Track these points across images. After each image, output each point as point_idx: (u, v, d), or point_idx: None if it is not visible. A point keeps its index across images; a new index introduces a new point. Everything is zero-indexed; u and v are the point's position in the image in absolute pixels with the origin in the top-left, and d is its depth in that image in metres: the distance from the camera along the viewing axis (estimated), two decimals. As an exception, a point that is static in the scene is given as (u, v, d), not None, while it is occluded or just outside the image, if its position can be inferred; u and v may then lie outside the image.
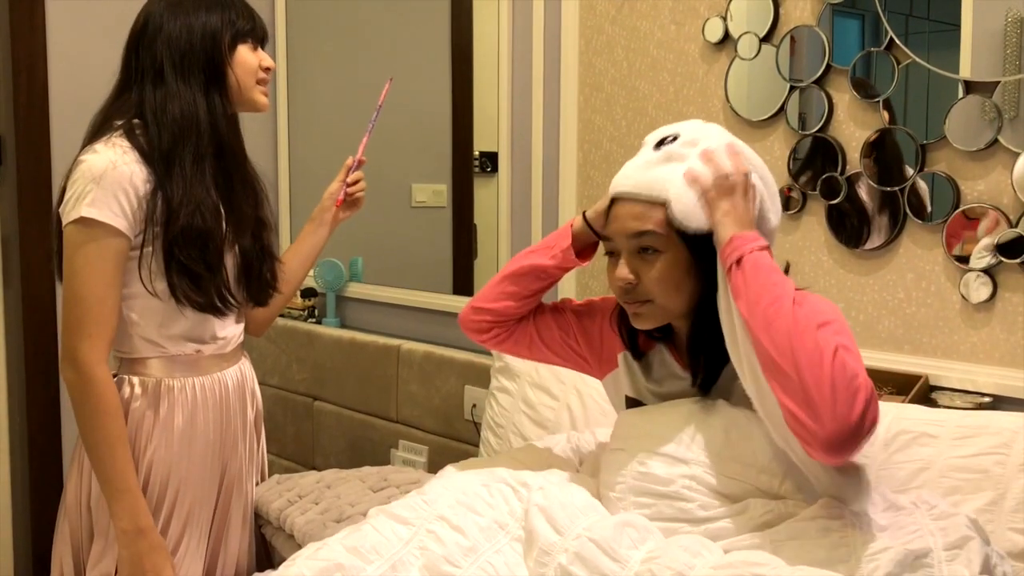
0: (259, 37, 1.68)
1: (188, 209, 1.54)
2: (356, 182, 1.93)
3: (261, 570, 1.75)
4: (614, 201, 1.38)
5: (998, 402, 1.64)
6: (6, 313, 2.54)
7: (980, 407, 1.62)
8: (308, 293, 2.88)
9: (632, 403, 1.49)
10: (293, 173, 2.99)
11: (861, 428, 1.13)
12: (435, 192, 2.67)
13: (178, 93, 1.57)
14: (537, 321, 1.57)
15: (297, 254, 1.88)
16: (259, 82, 1.67)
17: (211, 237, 1.57)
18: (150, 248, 1.55)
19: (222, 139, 1.61)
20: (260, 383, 2.86)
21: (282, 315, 2.86)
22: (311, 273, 2.85)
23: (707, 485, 1.30)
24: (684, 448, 1.32)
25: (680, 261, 1.31)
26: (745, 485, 1.29)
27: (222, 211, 1.62)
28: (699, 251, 1.30)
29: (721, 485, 1.29)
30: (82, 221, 1.51)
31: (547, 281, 1.54)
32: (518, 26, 2.32)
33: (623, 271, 1.33)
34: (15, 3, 2.50)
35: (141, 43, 1.60)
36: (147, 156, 1.55)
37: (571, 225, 1.51)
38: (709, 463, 1.30)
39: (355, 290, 2.81)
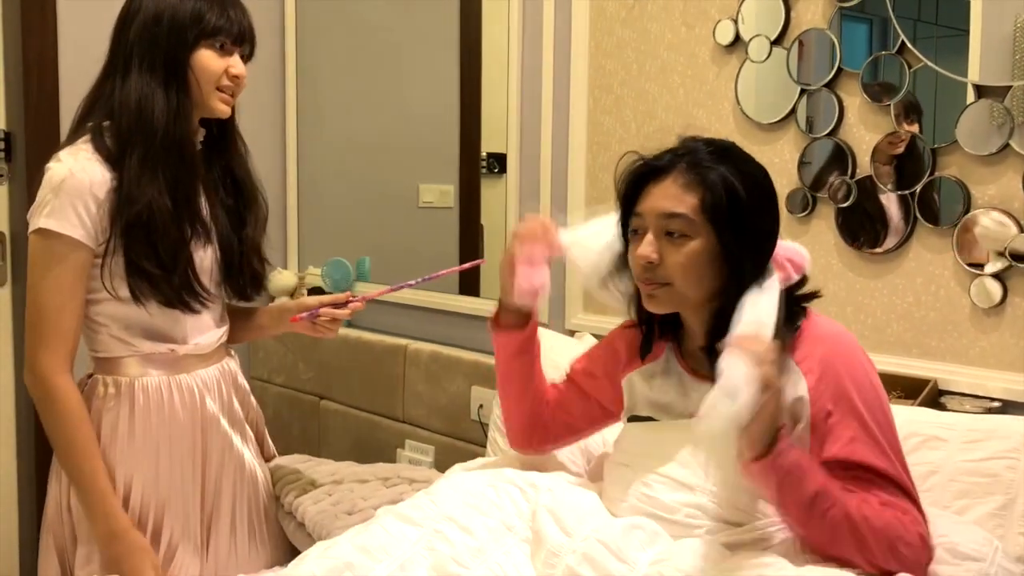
0: (233, 37, 1.60)
1: (135, 208, 1.52)
2: (331, 320, 1.73)
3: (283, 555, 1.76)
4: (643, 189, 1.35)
5: (1007, 407, 1.64)
6: (15, 309, 2.55)
7: (989, 412, 1.62)
8: (315, 293, 2.89)
9: (634, 419, 1.47)
10: (301, 172, 3.00)
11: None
12: (442, 193, 2.67)
13: (139, 86, 1.55)
14: (559, 406, 1.55)
15: (248, 322, 1.83)
16: (221, 88, 1.60)
17: (161, 235, 1.54)
18: (113, 251, 1.54)
19: (178, 139, 1.56)
20: (266, 381, 2.90)
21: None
22: (318, 273, 2.86)
23: (713, 514, 1.28)
24: (690, 473, 1.31)
25: (708, 250, 1.28)
26: (751, 515, 1.27)
27: (177, 210, 1.57)
28: (728, 245, 1.28)
29: (727, 514, 1.28)
30: (41, 232, 1.51)
31: (518, 375, 1.53)
32: (527, 26, 2.32)
33: (646, 249, 1.30)
34: (27, 1, 2.51)
35: (124, 23, 1.59)
36: (112, 158, 1.54)
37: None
38: (715, 491, 1.29)
39: (362, 290, 2.81)
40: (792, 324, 1.30)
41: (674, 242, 1.29)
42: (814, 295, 1.36)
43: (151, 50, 1.56)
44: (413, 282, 1.73)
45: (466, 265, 1.89)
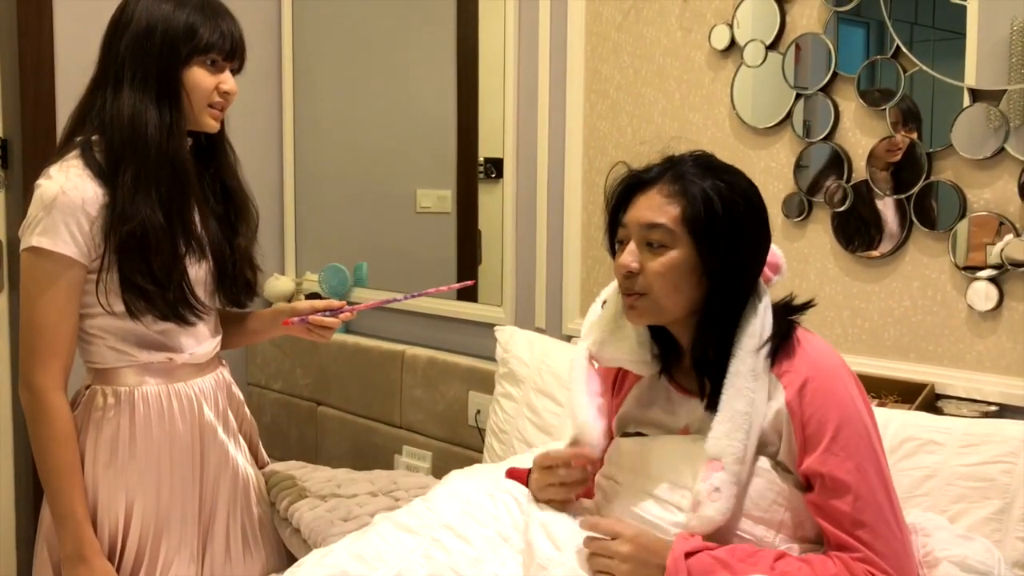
0: (225, 53, 1.58)
1: (129, 226, 1.51)
2: (323, 327, 1.71)
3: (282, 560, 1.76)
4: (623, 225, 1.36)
5: (1004, 411, 1.64)
6: (12, 316, 2.55)
7: (986, 416, 1.62)
8: (312, 299, 2.88)
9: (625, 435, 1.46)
10: (299, 177, 3.00)
11: None
12: (440, 198, 2.67)
13: (131, 102, 1.53)
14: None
15: (241, 327, 1.82)
16: (212, 105, 1.59)
17: (155, 252, 1.54)
18: (107, 267, 1.53)
19: (172, 154, 1.55)
20: (264, 387, 2.90)
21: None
22: (316, 278, 2.86)
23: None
24: (680, 495, 1.30)
25: (685, 261, 1.29)
26: (741, 536, 1.27)
27: (171, 227, 1.56)
28: (707, 257, 1.28)
29: (716, 536, 1.27)
30: (34, 251, 1.51)
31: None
32: (524, 32, 2.32)
33: (627, 258, 1.31)
34: (23, 6, 2.51)
35: (115, 33, 1.57)
36: (103, 174, 1.53)
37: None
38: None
39: (360, 295, 2.81)
40: (779, 340, 1.30)
41: (654, 252, 1.30)
42: (806, 306, 1.36)
43: (143, 64, 1.54)
44: (402, 297, 1.75)
45: (456, 285, 1.89)
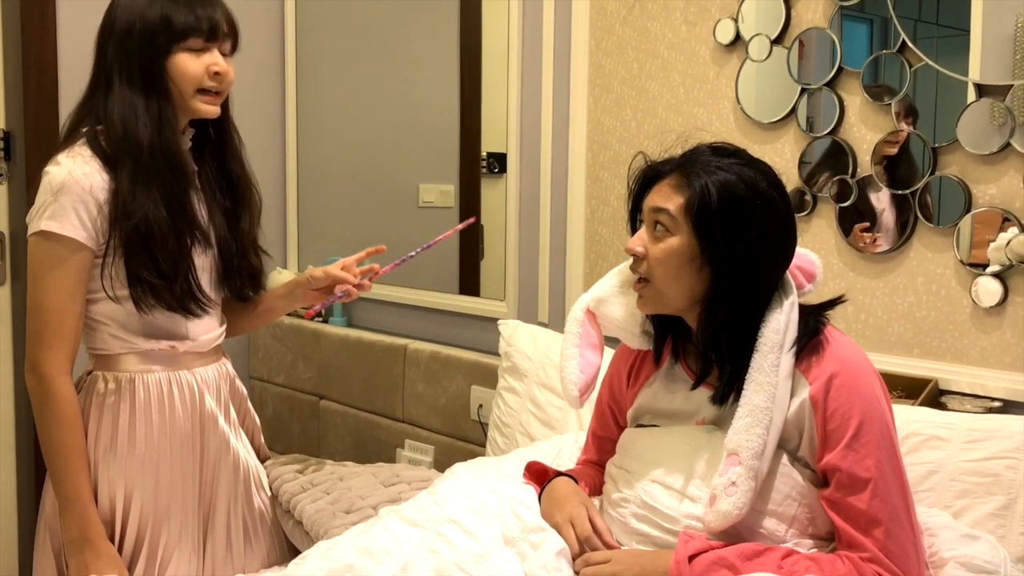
0: (206, 35, 1.56)
1: (132, 221, 1.52)
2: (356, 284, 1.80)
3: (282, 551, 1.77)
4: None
5: (1008, 407, 1.63)
6: (14, 308, 2.55)
7: (990, 411, 1.62)
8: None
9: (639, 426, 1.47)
10: (301, 171, 3.00)
11: None
12: (442, 192, 2.67)
13: (121, 101, 1.55)
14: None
15: (255, 308, 1.83)
16: (204, 89, 1.58)
17: (160, 247, 1.55)
18: (113, 254, 1.55)
19: (165, 148, 1.55)
20: (266, 381, 2.90)
21: (289, 313, 2.86)
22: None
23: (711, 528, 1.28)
24: (692, 485, 1.31)
25: (685, 249, 1.30)
26: (753, 530, 1.27)
27: (175, 220, 1.57)
28: (706, 246, 1.29)
29: (733, 531, 1.27)
30: (42, 234, 1.52)
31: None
32: (528, 26, 2.32)
33: (633, 242, 1.35)
34: (27, 1, 2.50)
35: (103, 39, 1.59)
36: (110, 161, 1.54)
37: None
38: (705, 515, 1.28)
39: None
40: (807, 338, 1.30)
41: (657, 236, 1.33)
42: (835, 303, 1.36)
43: (128, 63, 1.56)
44: (413, 253, 1.82)
45: (460, 225, 1.88)
